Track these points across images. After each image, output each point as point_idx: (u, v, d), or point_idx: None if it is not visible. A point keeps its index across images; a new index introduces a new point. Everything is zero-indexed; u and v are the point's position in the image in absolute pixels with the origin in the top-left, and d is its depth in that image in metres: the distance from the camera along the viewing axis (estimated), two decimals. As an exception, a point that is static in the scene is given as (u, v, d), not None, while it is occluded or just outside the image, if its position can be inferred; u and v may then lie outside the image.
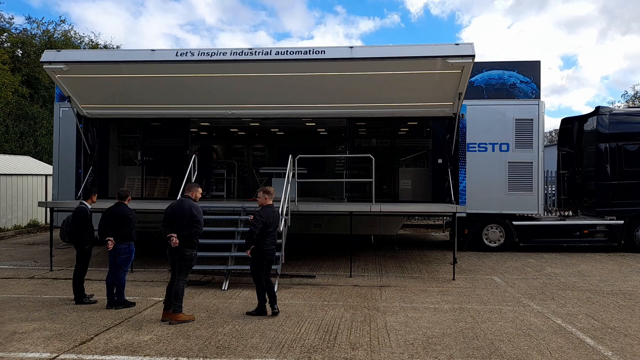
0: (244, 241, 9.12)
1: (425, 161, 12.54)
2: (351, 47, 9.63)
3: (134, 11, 74.95)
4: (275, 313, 6.80)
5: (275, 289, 8.31)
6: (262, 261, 6.93)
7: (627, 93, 43.86)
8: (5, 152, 20.35)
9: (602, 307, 7.48)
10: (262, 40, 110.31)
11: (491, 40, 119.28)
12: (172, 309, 6.50)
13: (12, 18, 32.32)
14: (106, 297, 7.32)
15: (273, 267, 8.69)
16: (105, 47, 29.60)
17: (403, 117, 11.64)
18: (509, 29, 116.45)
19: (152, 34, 74.40)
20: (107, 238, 7.30)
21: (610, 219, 13.06)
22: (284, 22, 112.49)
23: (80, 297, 7.47)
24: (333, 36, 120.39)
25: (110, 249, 7.32)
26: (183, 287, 6.70)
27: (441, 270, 10.35)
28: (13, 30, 25.84)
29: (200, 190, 7.20)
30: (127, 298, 7.43)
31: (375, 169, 9.89)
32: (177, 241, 6.59)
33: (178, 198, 8.35)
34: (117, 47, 30.77)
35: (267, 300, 6.94)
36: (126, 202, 7.63)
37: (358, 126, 11.94)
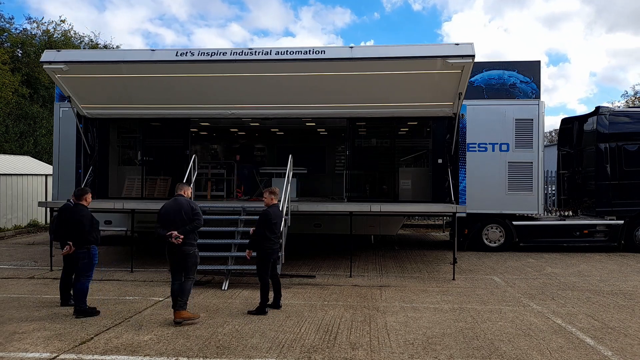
0: (247, 241, 9.17)
1: (425, 161, 12.54)
2: (351, 47, 9.63)
3: (98, 5, 68.75)
4: (279, 307, 7.15)
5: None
6: (268, 259, 7.11)
7: (627, 93, 43.87)
8: (5, 152, 20.35)
9: (602, 307, 7.48)
10: (238, 36, 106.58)
11: (472, 36, 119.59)
12: (177, 305, 6.44)
13: (12, 18, 32.33)
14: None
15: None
16: (105, 47, 29.61)
17: (403, 117, 11.64)
18: (489, 23, 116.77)
19: (120, 29, 69.33)
20: (67, 242, 6.84)
21: (610, 219, 13.06)
22: (258, 17, 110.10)
23: (66, 299, 7.25)
24: (309, 31, 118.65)
25: (64, 254, 6.87)
26: (191, 285, 6.70)
27: (441, 270, 10.35)
28: (13, 30, 25.85)
29: (190, 189, 7.15)
30: (127, 297, 7.42)
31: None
32: (181, 236, 6.47)
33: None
34: (117, 47, 30.81)
35: (269, 300, 7.09)
36: (84, 203, 7.03)
37: (358, 126, 11.94)
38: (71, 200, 7.41)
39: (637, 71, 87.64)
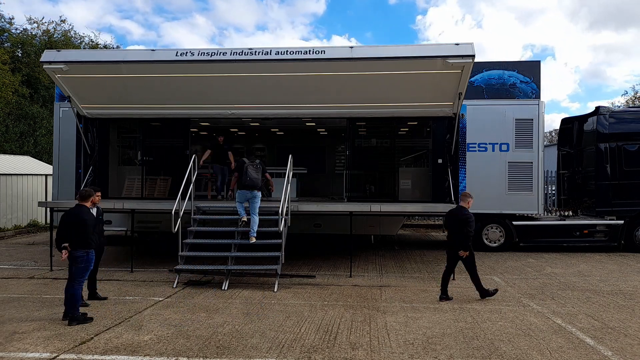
0: (247, 241, 9.17)
1: (425, 161, 12.54)
2: (351, 47, 9.64)
3: (52, -5, 64.98)
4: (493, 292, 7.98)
5: (276, 289, 8.33)
6: (473, 256, 7.90)
7: (627, 93, 43.86)
8: (5, 152, 20.35)
9: (602, 307, 7.48)
10: (206, 30, 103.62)
11: (447, 31, 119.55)
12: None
13: (13, 18, 32.33)
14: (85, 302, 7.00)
15: (273, 267, 8.73)
16: (105, 47, 29.62)
17: (403, 117, 11.64)
18: (464, 18, 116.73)
19: (80, 21, 63.60)
20: (63, 245, 6.54)
21: (610, 219, 13.06)
22: (226, 10, 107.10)
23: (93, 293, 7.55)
24: (279, 24, 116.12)
25: (63, 259, 6.60)
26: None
27: (441, 270, 10.30)
28: (13, 31, 25.86)
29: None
30: (127, 297, 7.42)
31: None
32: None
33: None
34: (117, 47, 30.83)
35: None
36: (87, 204, 6.83)
37: (358, 126, 11.94)
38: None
39: (621, 67, 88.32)
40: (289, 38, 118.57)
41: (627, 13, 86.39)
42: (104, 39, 55.00)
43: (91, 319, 6.54)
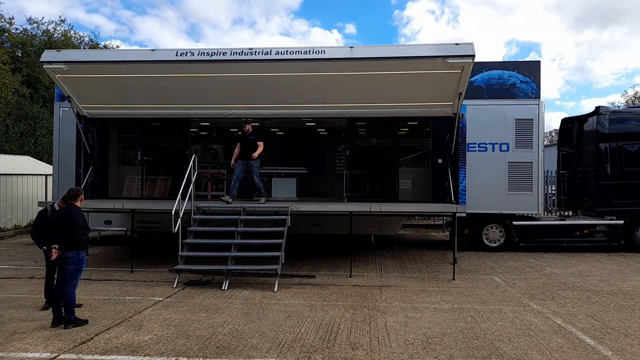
0: (247, 241, 9.20)
1: (425, 161, 12.54)
2: (351, 47, 9.64)
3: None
4: None
5: (276, 289, 8.34)
6: None
7: (626, 93, 43.84)
8: (5, 152, 20.35)
9: (602, 307, 7.48)
10: (176, 25, 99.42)
11: (426, 26, 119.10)
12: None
13: (13, 18, 32.31)
14: (60, 311, 6.42)
15: (273, 267, 8.74)
16: (105, 47, 29.63)
17: (403, 117, 11.64)
18: (443, 12, 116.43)
19: (42, 15, 57.04)
20: (52, 246, 6.32)
21: (610, 219, 13.06)
22: (194, 4, 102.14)
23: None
24: (255, 17, 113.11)
25: (53, 258, 6.36)
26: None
27: (441, 270, 10.35)
28: (13, 31, 25.86)
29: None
30: (127, 297, 7.42)
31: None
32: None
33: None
34: (117, 47, 30.84)
35: None
36: (77, 204, 6.62)
37: (358, 126, 11.94)
38: (56, 204, 7.10)
39: (608, 62, 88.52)
40: (268, 33, 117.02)
41: (612, 8, 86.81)
42: (104, 38, 54.64)
43: (86, 320, 6.45)
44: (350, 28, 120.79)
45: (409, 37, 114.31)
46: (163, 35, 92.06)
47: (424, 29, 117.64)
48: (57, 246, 6.31)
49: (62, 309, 6.36)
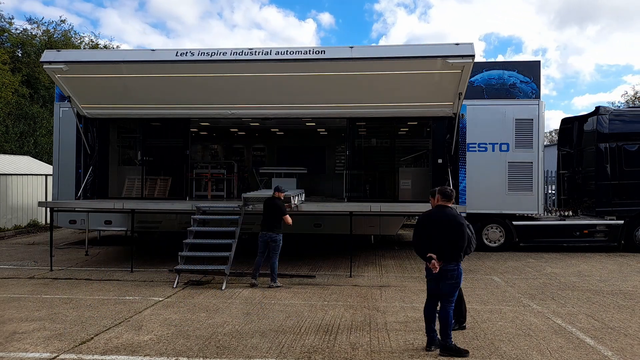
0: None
1: (425, 161, 12.55)
2: (351, 47, 9.63)
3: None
4: None
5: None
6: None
7: (626, 93, 43.85)
8: (5, 152, 20.35)
9: (602, 307, 7.48)
10: (144, 18, 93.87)
11: (402, 18, 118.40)
12: None
13: (13, 18, 32.34)
14: None
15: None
16: (105, 47, 29.63)
17: (403, 117, 11.65)
18: (416, 5, 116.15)
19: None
20: (429, 255, 5.47)
21: (610, 219, 13.06)
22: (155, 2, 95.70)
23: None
24: (222, 8, 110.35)
25: (436, 271, 5.47)
26: None
27: (441, 270, 10.32)
28: (13, 31, 25.85)
29: None
30: (127, 297, 7.43)
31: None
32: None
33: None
34: (117, 47, 30.83)
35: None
36: (450, 204, 5.73)
37: (358, 126, 11.94)
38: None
39: (589, 58, 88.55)
40: (244, 29, 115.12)
41: (591, 3, 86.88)
42: (104, 39, 54.28)
43: (467, 352, 5.36)
44: (325, 18, 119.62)
45: (386, 25, 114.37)
46: (128, 30, 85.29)
47: (399, 19, 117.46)
48: (435, 256, 5.42)
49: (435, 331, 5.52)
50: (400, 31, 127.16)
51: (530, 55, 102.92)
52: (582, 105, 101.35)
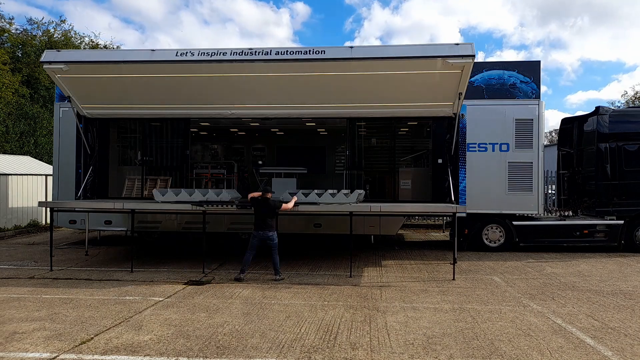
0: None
1: (425, 161, 12.56)
2: (351, 47, 9.64)
3: None
4: None
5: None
6: None
7: (626, 93, 43.85)
8: (5, 152, 20.35)
9: (602, 307, 7.48)
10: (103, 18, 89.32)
11: (375, 11, 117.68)
12: None
13: (13, 18, 32.33)
14: None
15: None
16: (105, 47, 29.63)
17: (403, 117, 11.65)
18: (390, 3, 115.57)
19: None
20: None
21: (610, 219, 13.05)
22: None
23: None
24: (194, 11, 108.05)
25: None
26: None
27: (441, 270, 10.35)
28: (13, 31, 25.86)
29: None
30: (127, 297, 7.43)
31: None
32: None
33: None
34: (117, 47, 30.83)
35: None
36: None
37: (358, 126, 11.95)
38: None
39: (571, 52, 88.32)
40: (219, 23, 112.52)
41: None
42: (104, 39, 54.07)
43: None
44: (299, 8, 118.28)
45: (362, 16, 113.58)
46: (94, 25, 78.23)
47: (369, 17, 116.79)
48: None
49: None
50: (374, 25, 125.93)
51: (510, 50, 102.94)
52: (573, 102, 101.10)
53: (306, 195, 10.12)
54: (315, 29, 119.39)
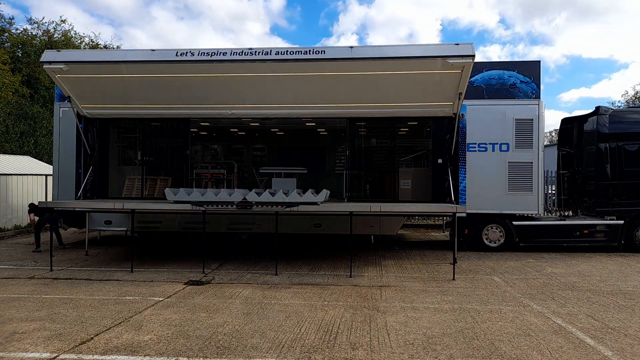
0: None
1: (425, 161, 12.55)
2: (351, 47, 9.64)
3: None
4: None
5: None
6: None
7: (627, 93, 43.84)
8: (5, 152, 20.34)
9: (602, 307, 7.48)
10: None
11: (349, 6, 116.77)
12: None
13: (13, 18, 32.34)
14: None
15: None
16: (105, 47, 29.63)
17: (403, 117, 11.65)
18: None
19: None
20: None
21: (610, 219, 13.05)
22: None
23: None
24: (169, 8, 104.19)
25: None
26: None
27: (441, 270, 10.34)
28: (13, 31, 25.86)
29: None
30: (127, 297, 7.43)
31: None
32: None
33: None
34: (117, 47, 30.84)
35: None
36: None
37: (358, 126, 11.95)
38: None
39: (557, 48, 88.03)
40: (206, 19, 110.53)
41: None
42: (104, 39, 53.84)
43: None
44: (275, 1, 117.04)
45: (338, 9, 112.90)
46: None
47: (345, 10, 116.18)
48: None
49: None
50: (350, 18, 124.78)
51: (495, 45, 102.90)
52: (567, 99, 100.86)
53: (273, 194, 9.92)
54: (292, 21, 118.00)
